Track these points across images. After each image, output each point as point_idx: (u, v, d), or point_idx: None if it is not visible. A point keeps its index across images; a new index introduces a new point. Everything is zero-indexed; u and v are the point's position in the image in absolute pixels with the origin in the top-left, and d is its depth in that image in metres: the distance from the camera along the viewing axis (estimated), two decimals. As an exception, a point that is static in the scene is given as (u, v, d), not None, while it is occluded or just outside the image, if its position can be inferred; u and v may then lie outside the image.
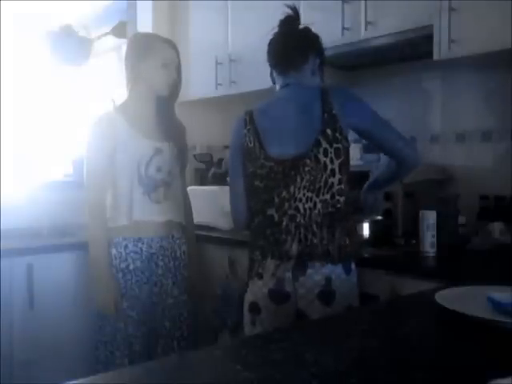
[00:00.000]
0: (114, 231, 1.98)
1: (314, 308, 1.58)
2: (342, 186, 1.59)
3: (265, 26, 2.73)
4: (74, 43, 3.27)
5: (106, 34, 3.41)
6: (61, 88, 3.46)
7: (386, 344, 0.96)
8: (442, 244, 1.91)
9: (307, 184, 1.59)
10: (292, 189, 1.60)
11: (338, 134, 1.57)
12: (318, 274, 1.58)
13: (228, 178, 1.82)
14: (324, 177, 1.58)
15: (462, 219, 2.05)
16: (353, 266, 1.63)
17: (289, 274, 1.60)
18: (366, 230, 2.11)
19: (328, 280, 1.57)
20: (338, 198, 1.59)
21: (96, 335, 2.00)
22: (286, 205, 1.61)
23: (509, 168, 2.10)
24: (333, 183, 1.58)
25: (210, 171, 3.02)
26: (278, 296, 1.62)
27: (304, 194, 1.59)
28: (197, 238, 2.54)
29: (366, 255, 1.96)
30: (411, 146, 1.70)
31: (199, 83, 3.01)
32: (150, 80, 2.02)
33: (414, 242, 2.00)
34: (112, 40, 3.44)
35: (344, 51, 2.32)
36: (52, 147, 3.33)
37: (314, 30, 2.45)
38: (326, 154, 1.57)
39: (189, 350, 1.97)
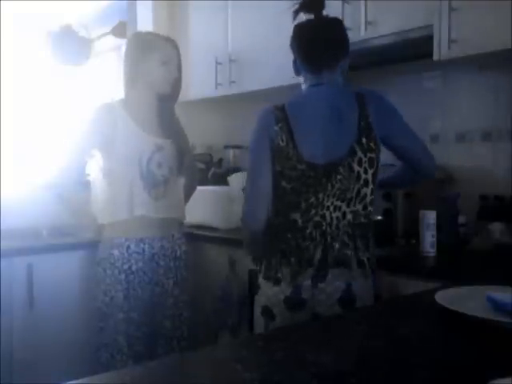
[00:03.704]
0: (115, 227, 1.98)
1: (334, 312, 1.53)
2: (373, 197, 1.57)
3: (265, 25, 2.74)
4: (74, 43, 3.27)
5: (106, 34, 3.41)
6: (61, 88, 3.46)
7: (386, 344, 0.96)
8: (441, 244, 1.91)
9: (337, 192, 1.54)
10: (321, 196, 1.54)
11: (372, 144, 1.54)
12: (338, 279, 1.54)
13: (248, 176, 1.67)
14: (357, 187, 1.54)
15: (462, 219, 2.05)
16: (370, 271, 1.59)
17: (308, 282, 1.55)
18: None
19: (348, 285, 1.54)
20: (370, 208, 1.56)
21: (97, 337, 2.00)
22: (313, 211, 1.55)
23: (509, 168, 2.10)
24: (366, 194, 1.55)
25: (209, 171, 3.02)
26: (294, 303, 1.57)
27: (332, 203, 1.54)
28: (197, 237, 2.54)
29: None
30: (431, 157, 1.71)
31: (199, 83, 3.01)
32: (150, 78, 2.02)
33: (414, 241, 2.00)
34: (112, 40, 3.44)
35: (344, 51, 2.32)
36: (52, 147, 3.33)
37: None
38: (360, 164, 1.53)
39: (189, 350, 1.97)
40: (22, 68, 3.30)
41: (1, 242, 2.32)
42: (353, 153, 1.52)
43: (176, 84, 2.09)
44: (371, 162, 1.54)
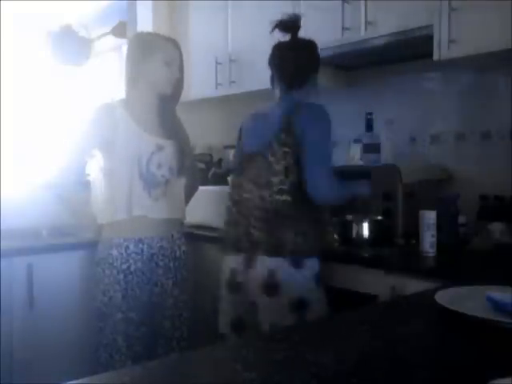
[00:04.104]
0: (114, 227, 1.98)
1: (261, 299, 1.73)
2: (285, 187, 1.72)
3: (265, 25, 2.73)
4: (74, 43, 3.27)
5: (106, 34, 3.42)
6: (61, 88, 3.47)
7: (386, 344, 0.96)
8: (441, 244, 1.91)
9: (252, 177, 1.80)
10: (242, 178, 1.84)
11: (289, 140, 1.72)
12: (263, 266, 1.72)
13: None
14: (267, 175, 1.75)
15: (462, 219, 2.05)
16: (307, 261, 1.73)
17: (241, 267, 1.78)
18: (365, 229, 2.11)
19: (272, 272, 1.70)
20: (277, 197, 1.73)
21: (96, 337, 2.00)
22: (235, 191, 1.87)
23: (509, 168, 2.10)
24: (274, 182, 1.73)
25: (210, 171, 3.02)
26: (232, 287, 1.81)
27: (247, 185, 1.80)
28: (197, 237, 2.54)
29: (366, 255, 1.96)
30: (320, 186, 1.70)
31: (199, 83, 3.01)
32: (152, 78, 2.02)
33: (413, 241, 2.00)
34: (112, 40, 3.44)
35: (344, 51, 2.32)
36: (52, 147, 3.33)
37: (313, 29, 2.46)
38: (274, 155, 1.74)
39: (189, 350, 1.97)
40: (22, 68, 3.30)
41: (1, 242, 2.32)
42: (270, 146, 1.76)
43: (178, 85, 2.08)
44: (285, 154, 1.73)
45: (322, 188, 1.71)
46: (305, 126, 1.72)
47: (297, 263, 1.71)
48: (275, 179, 1.73)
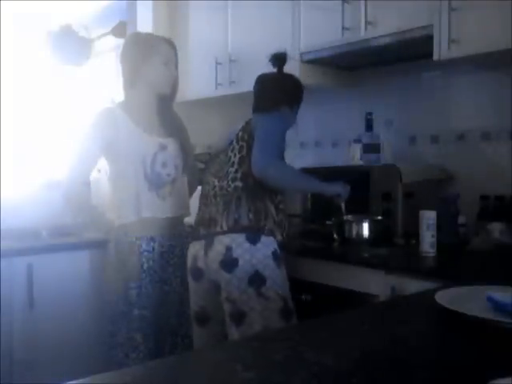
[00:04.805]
0: (125, 227, 1.98)
1: (221, 276, 1.78)
2: (238, 175, 1.87)
3: (265, 25, 2.74)
4: (74, 43, 3.27)
5: (106, 34, 3.41)
6: (61, 88, 3.46)
7: (386, 344, 0.96)
8: (441, 244, 1.91)
9: (214, 172, 1.94)
10: (207, 174, 1.99)
11: (246, 135, 1.88)
12: (220, 244, 1.79)
13: None
14: (227, 167, 1.89)
15: (462, 219, 2.05)
16: (263, 238, 1.79)
17: (201, 252, 1.84)
18: (365, 229, 2.11)
19: (229, 248, 1.77)
20: (230, 183, 1.87)
21: (112, 336, 1.99)
22: (203, 186, 2.01)
23: (509, 168, 2.10)
24: (230, 171, 1.88)
25: (210, 171, 3.02)
26: (194, 273, 1.88)
27: (211, 179, 1.94)
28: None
29: (366, 255, 1.96)
30: (260, 160, 1.81)
31: (199, 83, 3.01)
32: (151, 78, 2.02)
33: (414, 241, 2.00)
34: (112, 40, 3.44)
35: (344, 51, 2.32)
36: (52, 147, 3.33)
37: (314, 29, 2.46)
38: (232, 150, 1.90)
39: (192, 347, 1.98)
40: (22, 68, 3.30)
41: (1, 242, 2.32)
42: (231, 143, 1.92)
43: (175, 84, 2.09)
44: (241, 148, 1.88)
45: (261, 163, 1.80)
46: (258, 121, 1.90)
47: (252, 239, 1.78)
48: (231, 169, 1.88)
